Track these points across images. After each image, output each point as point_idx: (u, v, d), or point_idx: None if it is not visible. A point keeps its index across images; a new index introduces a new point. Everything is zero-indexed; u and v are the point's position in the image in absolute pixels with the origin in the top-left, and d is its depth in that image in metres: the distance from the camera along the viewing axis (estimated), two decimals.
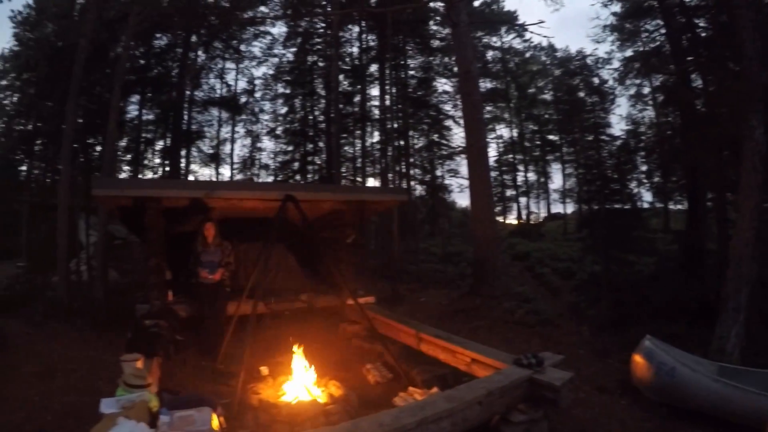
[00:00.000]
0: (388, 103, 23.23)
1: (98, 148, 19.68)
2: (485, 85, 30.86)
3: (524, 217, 37.14)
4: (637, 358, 6.41)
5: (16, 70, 28.10)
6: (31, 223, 23.26)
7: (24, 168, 28.14)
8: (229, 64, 29.34)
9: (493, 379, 4.77)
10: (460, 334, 7.64)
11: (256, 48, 29.38)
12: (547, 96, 34.83)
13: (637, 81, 27.50)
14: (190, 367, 7.05)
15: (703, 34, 13.12)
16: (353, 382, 6.44)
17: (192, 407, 3.81)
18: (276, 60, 29.61)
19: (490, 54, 32.48)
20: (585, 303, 11.28)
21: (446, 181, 28.63)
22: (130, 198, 7.27)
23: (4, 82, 30.95)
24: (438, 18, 25.03)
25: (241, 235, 8.78)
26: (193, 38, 24.89)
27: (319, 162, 27.97)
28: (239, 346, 6.58)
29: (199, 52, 26.76)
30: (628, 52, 26.92)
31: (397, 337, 7.38)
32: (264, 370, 6.71)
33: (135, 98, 24.16)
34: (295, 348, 6.51)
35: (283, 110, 30.34)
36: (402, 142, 23.87)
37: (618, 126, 67.54)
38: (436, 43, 26.62)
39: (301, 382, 6.01)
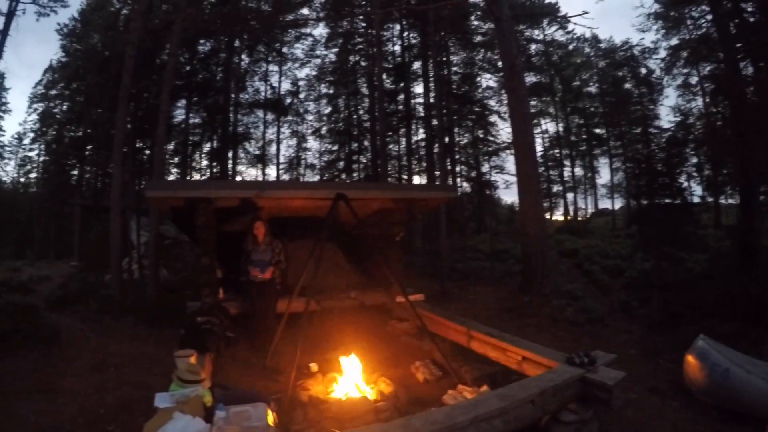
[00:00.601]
0: (432, 100, 23.16)
1: (147, 152, 20.27)
2: (529, 79, 30.54)
3: (571, 213, 36.41)
4: (690, 359, 6.15)
5: (65, 80, 29.13)
6: (83, 224, 23.99)
7: (75, 172, 29.20)
8: (273, 67, 30.06)
9: (545, 378, 4.67)
10: (508, 332, 7.47)
11: (299, 50, 30.15)
12: (593, 89, 34.17)
13: (685, 70, 26.69)
14: (240, 363, 7.17)
15: (752, 20, 12.62)
16: (402, 379, 6.41)
17: (245, 403, 3.86)
18: (318, 61, 30.35)
19: (533, 47, 31.99)
20: (635, 301, 10.99)
21: (492, 178, 28.70)
22: (182, 199, 7.42)
23: (53, 92, 32.17)
24: (479, 13, 24.90)
25: (290, 234, 8.94)
26: (237, 43, 25.46)
27: (364, 161, 28.49)
28: (289, 343, 6.68)
29: (243, 56, 27.45)
30: (674, 41, 26.25)
31: (446, 335, 7.33)
32: (313, 366, 6.76)
33: (181, 103, 24.93)
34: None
35: (328, 110, 31.19)
36: (447, 139, 23.68)
37: (666, 118, 65.64)
38: (478, 39, 26.48)
39: (350, 378, 6.02)
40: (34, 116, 35.21)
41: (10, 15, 15.41)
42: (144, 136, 19.69)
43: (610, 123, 32.15)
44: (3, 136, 39.75)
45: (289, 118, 31.54)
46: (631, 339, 9.12)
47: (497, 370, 6.17)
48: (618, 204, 35.40)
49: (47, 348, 8.25)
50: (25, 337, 8.24)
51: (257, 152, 30.46)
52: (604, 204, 38.21)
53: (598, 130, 33.83)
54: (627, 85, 30.75)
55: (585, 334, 9.25)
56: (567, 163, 35.23)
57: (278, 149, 31.81)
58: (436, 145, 20.75)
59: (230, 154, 27.63)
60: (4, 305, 8.67)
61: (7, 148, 40.09)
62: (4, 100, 39.57)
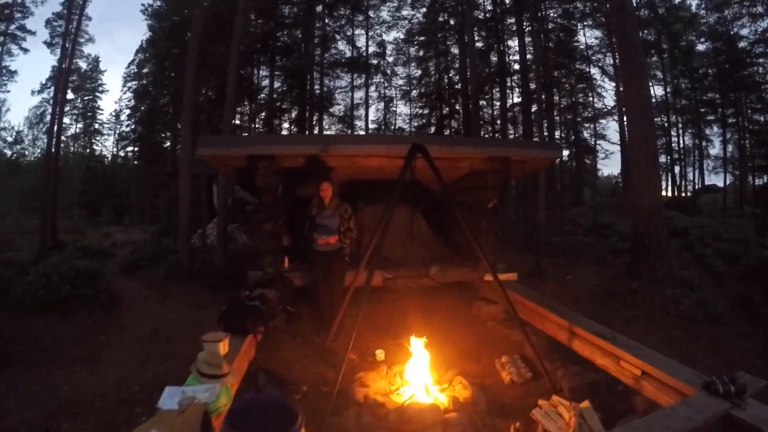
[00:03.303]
0: (529, 57, 21.47)
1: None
2: None
3: (679, 187, 32.59)
4: None
5: (153, 57, 30.46)
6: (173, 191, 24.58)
7: (168, 144, 30.71)
8: (359, 31, 29.32)
9: (679, 414, 3.25)
10: (613, 324, 6.31)
11: (385, 12, 29.44)
12: (703, 47, 30.36)
13: None
14: (300, 341, 6.42)
15: None
16: (483, 378, 5.26)
17: (266, 415, 2.86)
18: (406, 23, 29.55)
19: None
20: (759, 297, 9.14)
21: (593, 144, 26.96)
22: (243, 159, 6.80)
23: (145, 70, 34.37)
24: None
25: (367, 199, 8.23)
26: (319, 8, 25.06)
27: (455, 125, 27.31)
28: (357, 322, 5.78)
29: (327, 21, 26.91)
30: None
31: (542, 327, 5.93)
32: (380, 354, 5.76)
33: (266, 72, 25.15)
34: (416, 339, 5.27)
35: (417, 73, 30.76)
36: (544, 97, 21.49)
37: None
38: None
39: (420, 376, 4.90)
40: (129, 94, 37.80)
41: None
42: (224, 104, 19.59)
43: (724, 87, 28.46)
44: (101, 114, 44.27)
45: (377, 80, 31.04)
46: (756, 345, 7.38)
47: (601, 379, 4.82)
48: (726, 180, 32.25)
49: (105, 314, 8.16)
50: (84, 303, 8.15)
51: (342, 115, 29.96)
52: (710, 180, 35.18)
53: (710, 94, 29.98)
54: (743, 43, 27.26)
55: (703, 334, 7.60)
56: (673, 133, 31.78)
57: (367, 114, 31.34)
58: (534, 107, 19.09)
59: (315, 120, 27.15)
60: (66, 270, 8.51)
61: (106, 125, 44.33)
62: (100, 81, 43.84)
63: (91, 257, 12.39)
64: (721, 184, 33.74)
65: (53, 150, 17.30)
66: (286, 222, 8.07)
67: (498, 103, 25.93)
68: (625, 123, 22.18)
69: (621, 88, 24.92)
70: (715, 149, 32.99)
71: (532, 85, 20.09)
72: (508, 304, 5.22)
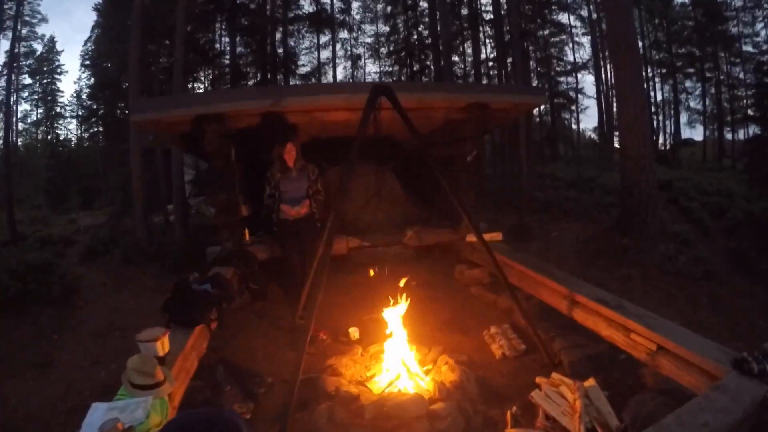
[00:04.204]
0: (502, 12, 20.60)
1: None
2: None
3: (657, 140, 32.74)
4: None
5: (102, 28, 29.13)
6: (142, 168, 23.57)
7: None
8: None
9: (714, 405, 2.60)
10: (607, 284, 5.83)
11: None
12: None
13: None
14: (269, 321, 5.86)
15: None
16: (471, 353, 4.67)
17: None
18: None
19: None
20: (755, 252, 8.62)
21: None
22: (189, 122, 6.08)
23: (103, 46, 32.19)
24: None
25: (332, 159, 7.54)
26: None
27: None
28: (330, 295, 5.21)
29: None
30: None
31: (534, 292, 5.27)
32: (354, 332, 5.17)
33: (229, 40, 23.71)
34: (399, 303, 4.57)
35: (385, 30, 30.48)
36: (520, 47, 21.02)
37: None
38: None
39: (399, 357, 4.22)
40: (88, 73, 36.19)
41: None
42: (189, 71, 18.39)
43: (702, 41, 28.24)
44: (62, 96, 42.28)
45: (343, 36, 30.25)
46: (758, 304, 6.96)
47: (603, 349, 4.23)
48: (699, 136, 32.74)
49: (58, 310, 7.50)
50: (35, 300, 7.48)
51: (306, 72, 28.61)
52: (686, 134, 35.59)
53: (688, 47, 29.80)
54: None
55: (701, 293, 7.16)
56: (650, 86, 31.38)
57: (334, 73, 30.43)
58: (509, 60, 18.36)
59: (280, 81, 25.76)
60: (15, 265, 7.88)
61: (68, 108, 42.50)
62: (58, 62, 41.89)
63: (50, 247, 11.92)
64: (696, 138, 34.92)
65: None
66: (244, 190, 7.46)
67: (470, 58, 25.49)
68: (610, 71, 21.97)
69: (598, 41, 24.61)
70: (694, 102, 33.06)
71: (507, 37, 19.37)
72: (496, 267, 4.53)
